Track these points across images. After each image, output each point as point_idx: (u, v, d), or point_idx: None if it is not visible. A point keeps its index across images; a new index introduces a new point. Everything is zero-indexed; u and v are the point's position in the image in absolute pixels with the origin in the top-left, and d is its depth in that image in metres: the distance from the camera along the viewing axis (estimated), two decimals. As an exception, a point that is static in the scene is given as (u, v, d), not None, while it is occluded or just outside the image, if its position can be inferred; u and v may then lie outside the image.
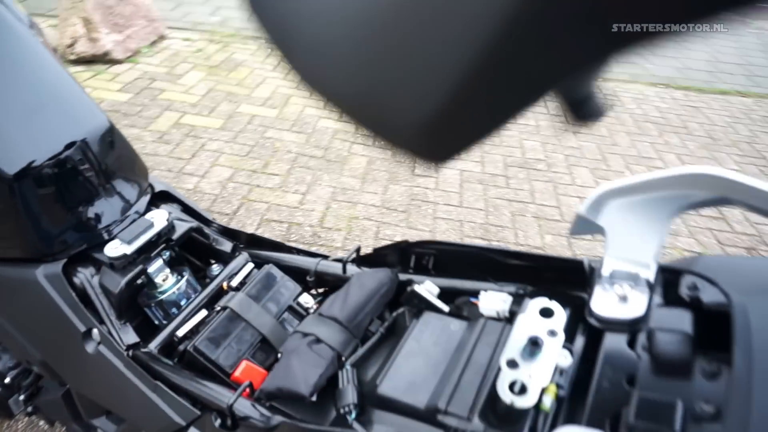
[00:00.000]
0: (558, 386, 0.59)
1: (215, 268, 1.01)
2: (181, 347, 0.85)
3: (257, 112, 3.38)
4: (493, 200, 2.81)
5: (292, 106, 3.47)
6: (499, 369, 0.59)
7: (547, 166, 3.15)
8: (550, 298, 0.67)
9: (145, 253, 0.90)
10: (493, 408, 0.60)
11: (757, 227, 2.81)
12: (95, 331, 0.84)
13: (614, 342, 0.61)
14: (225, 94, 3.53)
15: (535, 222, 2.68)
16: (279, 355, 0.86)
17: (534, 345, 0.60)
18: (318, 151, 3.06)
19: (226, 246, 1.02)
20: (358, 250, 0.92)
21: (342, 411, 0.70)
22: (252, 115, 3.33)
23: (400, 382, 0.68)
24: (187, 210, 1.04)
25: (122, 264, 0.87)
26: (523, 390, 0.57)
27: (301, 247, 1.01)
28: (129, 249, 0.87)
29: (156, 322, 0.93)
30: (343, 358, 0.77)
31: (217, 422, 0.73)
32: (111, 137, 0.93)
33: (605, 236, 0.71)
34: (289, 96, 3.59)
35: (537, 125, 3.57)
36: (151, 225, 0.91)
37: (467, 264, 0.82)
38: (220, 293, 0.94)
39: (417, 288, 0.79)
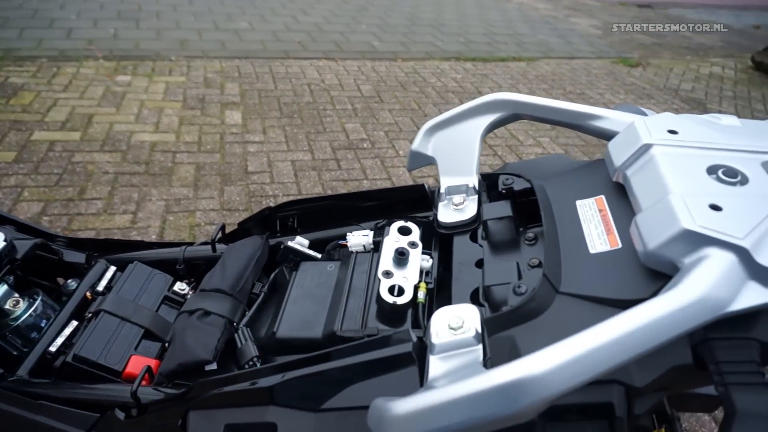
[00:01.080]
0: (427, 283, 0.72)
1: (71, 282, 0.95)
2: (58, 363, 0.80)
3: (56, 137, 3.05)
4: (329, 183, 2.93)
5: (96, 126, 3.20)
6: (379, 280, 0.69)
7: (371, 144, 3.37)
8: (405, 221, 0.79)
9: None
10: (381, 313, 0.70)
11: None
12: None
13: (461, 241, 0.75)
14: (10, 123, 3.12)
15: (371, 195, 2.87)
16: (167, 344, 0.86)
17: (401, 255, 0.71)
18: (139, 167, 2.88)
19: (79, 257, 0.97)
20: (222, 228, 0.95)
21: (246, 367, 0.74)
22: (51, 141, 3.00)
23: (294, 323, 0.75)
24: (24, 228, 0.96)
25: None
26: (400, 291, 0.68)
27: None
28: None
29: (15, 353, 0.86)
30: (235, 323, 0.81)
31: (122, 416, 0.72)
32: None
33: (436, 164, 0.85)
34: (91, 115, 3.30)
35: (354, 108, 3.78)
36: None
37: (328, 215, 0.91)
38: (86, 304, 0.90)
39: (289, 243, 0.85)
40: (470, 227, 0.75)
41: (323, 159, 3.15)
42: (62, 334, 0.82)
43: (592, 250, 0.60)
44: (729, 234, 0.49)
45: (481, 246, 0.73)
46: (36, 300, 0.89)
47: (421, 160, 0.86)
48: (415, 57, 4.90)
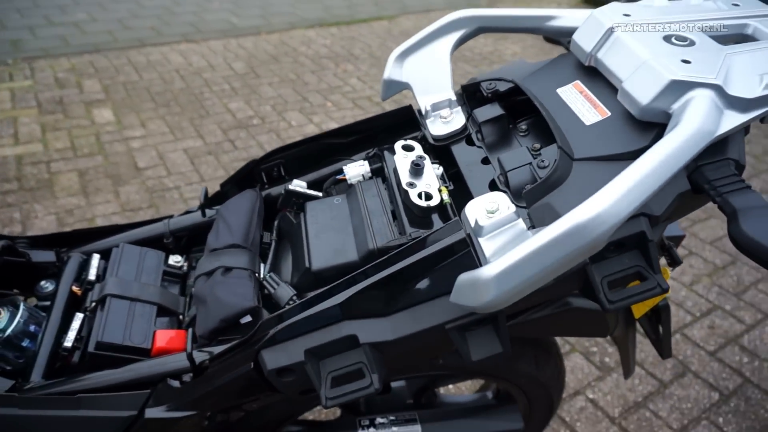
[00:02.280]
0: (446, 186, 0.78)
1: (45, 284, 0.87)
2: (75, 358, 0.75)
3: None
4: (230, 164, 2.84)
5: (-61, 149, 2.77)
6: (405, 192, 0.74)
7: (260, 120, 3.29)
8: (405, 140, 0.84)
9: None
10: (413, 220, 0.75)
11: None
12: None
13: (459, 148, 0.82)
14: None
15: (277, 168, 2.83)
16: (180, 316, 0.84)
17: (416, 166, 0.76)
18: (10, 185, 2.57)
19: (48, 256, 0.89)
20: (206, 192, 0.92)
21: (287, 305, 0.75)
22: None
23: (326, 254, 0.77)
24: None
25: None
26: (428, 196, 0.74)
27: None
28: None
29: (9, 368, 0.78)
30: (257, 273, 0.80)
31: (176, 383, 0.70)
32: None
33: (411, 88, 0.90)
34: (-71, 138, 2.85)
35: (232, 87, 3.65)
36: None
37: (314, 157, 0.92)
38: (76, 300, 0.84)
39: (290, 186, 0.86)
40: (464, 135, 0.82)
41: (216, 142, 3.03)
42: (71, 328, 0.77)
43: (587, 122, 0.70)
44: (704, 76, 0.61)
45: (480, 147, 0.80)
46: (20, 306, 0.81)
47: (394, 87, 0.90)
48: (278, 29, 4.80)
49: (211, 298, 0.75)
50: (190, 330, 0.73)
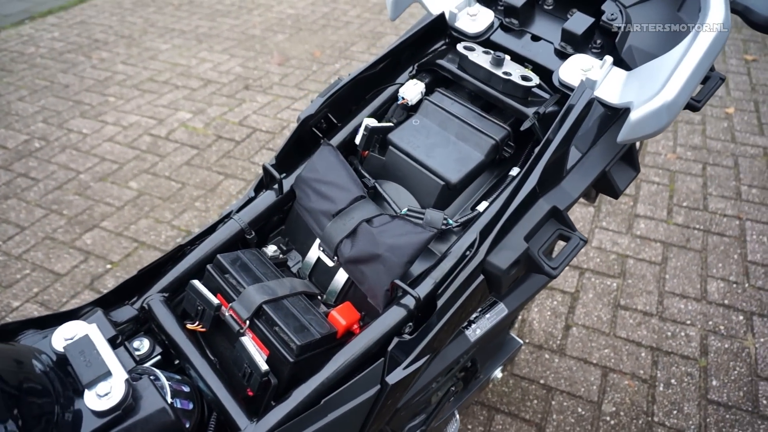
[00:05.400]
0: (526, 66, 0.84)
1: (138, 344, 0.71)
2: (274, 380, 0.65)
3: None
4: (43, 199, 2.35)
5: None
6: (505, 81, 0.79)
7: (42, 141, 2.73)
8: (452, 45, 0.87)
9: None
10: (520, 102, 0.80)
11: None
12: None
13: (500, 37, 0.88)
14: None
15: (139, 175, 2.44)
16: (320, 296, 0.78)
17: (498, 58, 0.81)
18: None
19: (129, 312, 0.71)
20: (272, 167, 0.82)
21: (443, 226, 0.76)
22: None
23: (453, 166, 0.77)
24: (26, 324, 0.64)
25: (114, 412, 0.54)
26: (527, 78, 0.80)
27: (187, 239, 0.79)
28: (118, 391, 0.54)
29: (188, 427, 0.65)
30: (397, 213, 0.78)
31: (406, 337, 0.67)
32: None
33: (422, 1, 0.92)
34: None
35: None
36: (89, 340, 0.56)
37: (356, 96, 0.88)
38: (197, 338, 0.71)
39: (370, 124, 0.81)
40: (497, 25, 0.88)
41: (5, 183, 2.45)
42: (249, 353, 0.66)
43: None
44: None
45: (520, 30, 0.87)
46: (156, 373, 0.66)
47: (403, 4, 0.90)
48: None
49: (382, 249, 0.71)
50: (390, 281, 0.69)
